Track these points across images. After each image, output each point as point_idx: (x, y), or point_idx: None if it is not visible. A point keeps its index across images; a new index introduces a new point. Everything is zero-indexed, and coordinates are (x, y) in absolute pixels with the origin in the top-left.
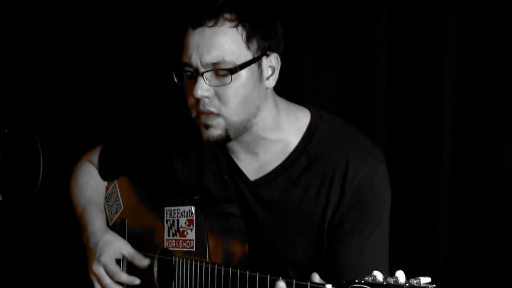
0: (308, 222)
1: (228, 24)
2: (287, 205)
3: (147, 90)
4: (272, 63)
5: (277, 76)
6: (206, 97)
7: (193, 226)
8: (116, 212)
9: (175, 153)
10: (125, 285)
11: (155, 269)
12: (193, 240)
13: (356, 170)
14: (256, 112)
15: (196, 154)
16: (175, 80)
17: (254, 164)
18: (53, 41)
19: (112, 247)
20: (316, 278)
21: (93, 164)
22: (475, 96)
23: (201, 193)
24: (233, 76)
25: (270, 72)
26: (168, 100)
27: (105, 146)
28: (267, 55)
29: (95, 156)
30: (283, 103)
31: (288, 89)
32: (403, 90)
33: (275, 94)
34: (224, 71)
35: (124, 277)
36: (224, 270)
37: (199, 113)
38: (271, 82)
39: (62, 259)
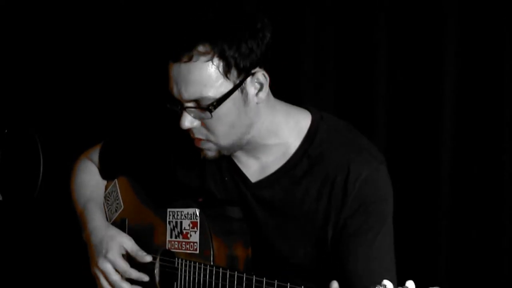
0: (309, 223)
1: (202, 58)
2: (288, 206)
3: (148, 90)
4: (259, 79)
5: (267, 90)
6: (193, 127)
7: (197, 228)
8: (116, 211)
9: (176, 154)
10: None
11: (157, 270)
12: (196, 242)
13: (358, 172)
14: (248, 130)
15: (197, 155)
16: (168, 106)
17: (255, 166)
18: (53, 41)
19: (117, 243)
20: (335, 285)
21: (93, 162)
22: (475, 96)
23: (204, 195)
24: (213, 111)
25: (258, 87)
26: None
27: (106, 144)
28: (252, 75)
29: (95, 154)
30: (282, 106)
31: (288, 89)
32: (403, 90)
33: (272, 99)
34: (204, 106)
35: (134, 274)
36: (229, 273)
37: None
38: (261, 97)
39: (62, 258)
